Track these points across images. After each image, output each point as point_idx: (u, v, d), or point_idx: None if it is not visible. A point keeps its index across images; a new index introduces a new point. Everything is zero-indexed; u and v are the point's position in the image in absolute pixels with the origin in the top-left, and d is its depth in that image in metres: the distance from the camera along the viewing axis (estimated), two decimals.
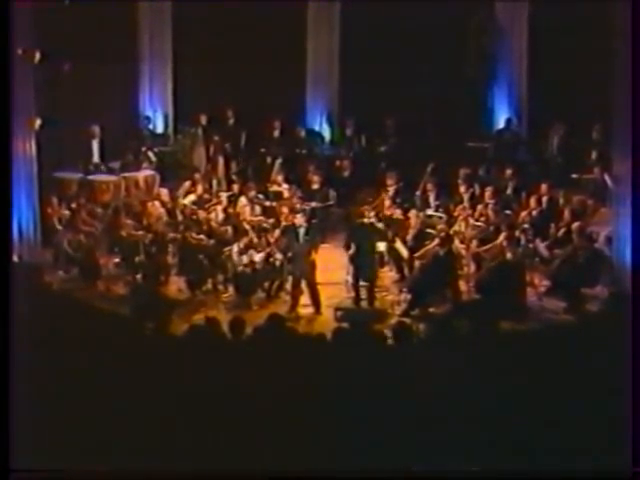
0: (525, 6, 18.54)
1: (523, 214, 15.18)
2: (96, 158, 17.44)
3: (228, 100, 18.75)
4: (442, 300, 13.20)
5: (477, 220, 15.00)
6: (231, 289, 13.91)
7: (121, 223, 15.00)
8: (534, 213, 15.19)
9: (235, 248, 14.06)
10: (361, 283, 13.66)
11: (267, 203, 16.12)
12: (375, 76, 18.63)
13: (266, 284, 13.88)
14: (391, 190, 15.92)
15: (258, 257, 13.89)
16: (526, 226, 14.67)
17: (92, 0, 16.93)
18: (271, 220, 15.16)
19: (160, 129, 19.32)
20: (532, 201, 15.41)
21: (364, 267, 13.61)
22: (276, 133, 18.75)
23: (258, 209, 15.73)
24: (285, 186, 16.79)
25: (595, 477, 6.96)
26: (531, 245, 14.34)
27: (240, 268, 13.83)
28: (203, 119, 18.69)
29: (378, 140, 18.65)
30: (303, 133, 19.01)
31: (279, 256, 13.86)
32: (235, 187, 16.58)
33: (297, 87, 19.31)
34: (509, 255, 13.46)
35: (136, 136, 18.59)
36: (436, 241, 13.76)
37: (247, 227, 14.66)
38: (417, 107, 18.42)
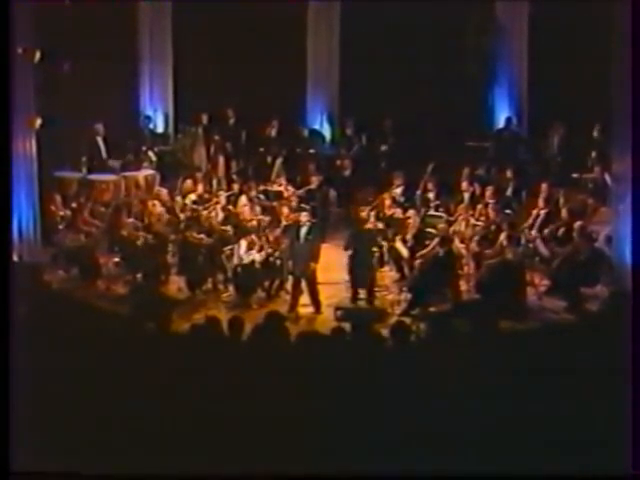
0: (525, 6, 18.54)
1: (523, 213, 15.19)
2: (96, 157, 17.43)
3: (228, 99, 18.75)
4: (442, 300, 13.21)
5: (477, 220, 15.00)
6: (231, 288, 13.93)
7: (121, 222, 14.99)
8: (534, 212, 15.19)
9: (235, 247, 14.07)
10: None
11: (267, 202, 16.12)
12: (375, 76, 18.65)
13: (266, 283, 13.89)
14: (391, 190, 15.91)
15: (258, 256, 13.90)
16: (526, 225, 14.67)
17: None
18: (269, 219, 15.17)
19: (160, 128, 19.30)
20: (532, 200, 15.40)
21: (364, 267, 13.63)
22: (276, 133, 18.73)
23: (258, 209, 15.72)
24: (286, 186, 16.77)
25: (594, 479, 6.96)
26: (531, 244, 14.34)
27: (240, 268, 13.84)
28: (203, 118, 18.70)
29: (378, 140, 18.64)
30: (303, 132, 19.02)
31: (279, 255, 13.87)
32: (235, 186, 16.58)
33: (297, 87, 19.31)
34: (509, 254, 13.46)
35: (136, 135, 18.59)
36: (436, 241, 13.76)
37: (247, 226, 14.66)
38: (417, 107, 18.43)
